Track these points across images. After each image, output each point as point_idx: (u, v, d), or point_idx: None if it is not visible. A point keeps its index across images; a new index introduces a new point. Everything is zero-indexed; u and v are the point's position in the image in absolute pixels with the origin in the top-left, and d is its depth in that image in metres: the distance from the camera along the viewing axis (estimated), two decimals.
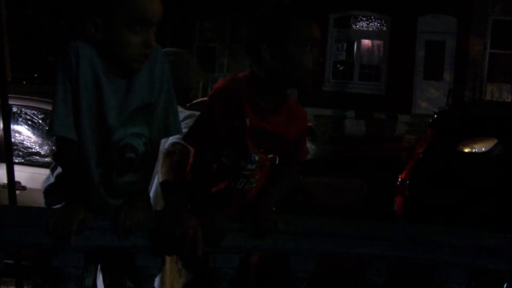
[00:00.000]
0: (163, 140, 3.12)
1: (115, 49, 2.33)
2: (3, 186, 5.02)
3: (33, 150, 6.32)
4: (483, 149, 6.87)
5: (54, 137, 2.45)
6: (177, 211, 2.46)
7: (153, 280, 2.58)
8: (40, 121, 6.29)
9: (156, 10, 2.36)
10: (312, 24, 2.56)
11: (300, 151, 2.73)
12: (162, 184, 2.62)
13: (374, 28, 22.84)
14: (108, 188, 2.45)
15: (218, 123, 2.54)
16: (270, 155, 2.66)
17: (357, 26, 22.97)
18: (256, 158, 2.61)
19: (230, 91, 2.56)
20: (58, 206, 2.51)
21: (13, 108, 6.16)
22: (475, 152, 6.88)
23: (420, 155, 6.64)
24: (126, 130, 2.40)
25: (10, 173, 4.41)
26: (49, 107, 4.67)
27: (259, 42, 2.52)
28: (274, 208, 2.83)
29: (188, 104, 3.56)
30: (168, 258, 3.05)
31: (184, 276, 2.82)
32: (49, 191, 2.63)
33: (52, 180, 2.61)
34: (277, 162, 2.73)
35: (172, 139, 2.87)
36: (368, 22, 22.87)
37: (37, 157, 6.27)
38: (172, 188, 2.58)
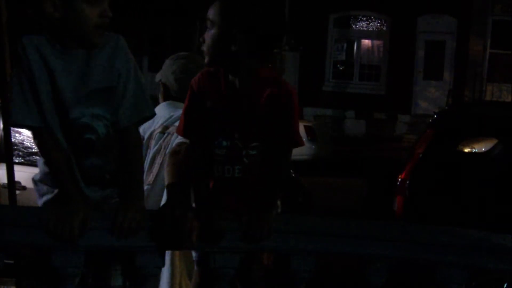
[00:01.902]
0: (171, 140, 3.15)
1: (74, 25, 2.41)
2: (3, 186, 5.02)
3: (33, 150, 6.32)
4: (483, 149, 6.87)
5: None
6: (177, 204, 2.48)
7: (153, 280, 2.58)
8: None
9: None
10: None
11: (284, 132, 2.62)
12: (166, 185, 2.65)
13: (374, 28, 22.83)
14: (80, 174, 2.51)
15: (192, 112, 2.61)
16: (254, 143, 2.63)
17: (357, 26, 22.96)
18: (224, 143, 2.61)
19: (197, 80, 2.64)
20: (48, 196, 2.54)
21: None
22: (475, 152, 6.88)
23: (420, 155, 6.64)
24: (84, 110, 2.48)
25: (10, 173, 4.40)
26: None
27: None
28: (279, 207, 2.83)
29: None
30: (177, 257, 3.06)
31: (196, 277, 2.83)
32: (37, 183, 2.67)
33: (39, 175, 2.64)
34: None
35: (179, 138, 2.89)
36: (368, 22, 22.85)
37: (37, 157, 6.26)
38: (174, 187, 2.59)
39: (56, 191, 2.56)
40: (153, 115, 2.60)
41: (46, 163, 2.54)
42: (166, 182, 2.68)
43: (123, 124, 2.51)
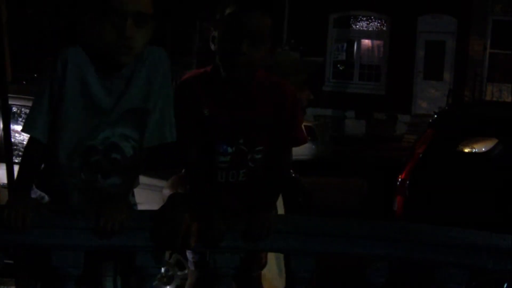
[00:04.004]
0: None
1: (95, 43, 2.37)
2: (3, 186, 5.02)
3: None
4: (483, 149, 6.87)
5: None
6: (176, 204, 2.48)
7: (153, 280, 2.58)
8: None
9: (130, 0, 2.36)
10: None
11: (289, 133, 2.62)
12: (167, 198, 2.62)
13: (374, 28, 22.82)
14: (90, 193, 2.46)
15: (183, 116, 2.54)
16: (259, 147, 2.62)
17: (357, 26, 22.95)
18: (229, 150, 2.58)
19: (187, 83, 2.58)
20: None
21: (13, 108, 6.16)
22: (475, 152, 6.88)
23: (420, 155, 6.63)
24: (114, 130, 2.43)
25: (10, 173, 4.40)
26: None
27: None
28: (278, 208, 2.82)
29: None
30: None
31: (191, 278, 2.82)
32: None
33: None
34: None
35: None
36: (368, 22, 22.85)
37: None
38: (172, 196, 2.58)
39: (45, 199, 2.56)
40: (174, 140, 2.52)
41: (22, 162, 2.51)
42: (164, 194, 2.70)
43: (144, 144, 2.48)
